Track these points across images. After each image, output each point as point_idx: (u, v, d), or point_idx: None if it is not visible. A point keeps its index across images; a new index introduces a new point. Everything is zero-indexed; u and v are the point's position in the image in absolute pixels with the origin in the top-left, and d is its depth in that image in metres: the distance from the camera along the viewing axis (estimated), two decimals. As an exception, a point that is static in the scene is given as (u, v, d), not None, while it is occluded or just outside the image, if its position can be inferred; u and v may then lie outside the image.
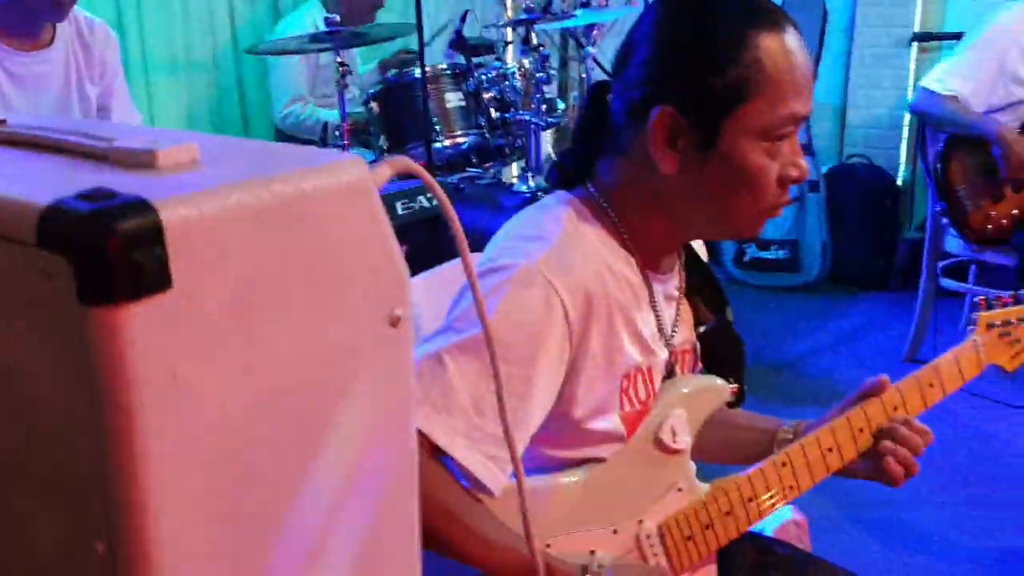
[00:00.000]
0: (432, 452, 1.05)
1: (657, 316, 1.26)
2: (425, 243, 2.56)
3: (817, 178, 4.61)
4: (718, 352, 1.38)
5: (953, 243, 3.61)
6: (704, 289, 1.37)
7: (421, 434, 1.04)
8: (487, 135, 3.51)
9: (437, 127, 3.33)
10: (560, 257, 1.14)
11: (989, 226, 3.33)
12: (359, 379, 0.62)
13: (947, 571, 2.53)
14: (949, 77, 3.34)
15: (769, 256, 4.61)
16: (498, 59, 3.66)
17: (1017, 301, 1.55)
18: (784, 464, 1.30)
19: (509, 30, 3.60)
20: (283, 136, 3.92)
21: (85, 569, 0.54)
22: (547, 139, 4.77)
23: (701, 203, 1.19)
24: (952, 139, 3.41)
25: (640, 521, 1.23)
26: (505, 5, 4.93)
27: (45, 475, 0.56)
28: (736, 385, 1.34)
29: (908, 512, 2.80)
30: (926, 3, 4.62)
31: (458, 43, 3.51)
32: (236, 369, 0.54)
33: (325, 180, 0.56)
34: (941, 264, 3.71)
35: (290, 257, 0.55)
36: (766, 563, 1.46)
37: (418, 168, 0.68)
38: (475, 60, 3.65)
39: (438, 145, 3.37)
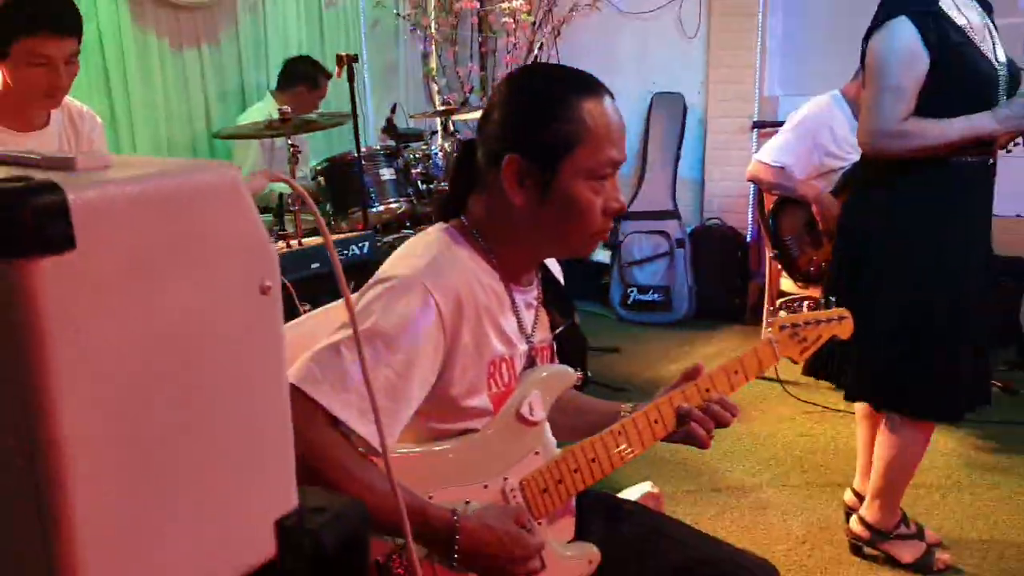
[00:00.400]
0: (331, 422, 1.09)
1: (518, 318, 1.32)
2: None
3: (683, 236, 4.75)
4: (567, 348, 1.44)
5: (787, 283, 3.74)
6: (557, 301, 1.44)
7: (322, 408, 1.08)
8: (415, 203, 3.57)
9: (373, 195, 3.39)
10: (435, 269, 1.20)
11: (811, 268, 3.47)
12: (238, 332, 0.66)
13: (784, 536, 2.60)
14: (776, 152, 3.50)
15: (647, 299, 4.72)
16: (425, 144, 3.73)
17: (809, 309, 1.65)
18: (620, 433, 1.35)
19: (438, 120, 3.67)
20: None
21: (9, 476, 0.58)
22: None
23: (545, 229, 1.27)
24: (781, 200, 3.56)
25: (505, 478, 1.27)
26: (433, 100, 5.04)
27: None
28: (581, 372, 1.40)
29: (755, 492, 2.87)
30: (762, 100, 4.82)
31: (388, 129, 3.58)
32: (130, 318, 0.59)
33: (203, 179, 0.62)
34: (779, 300, 3.84)
35: (175, 235, 0.60)
36: (617, 516, 1.50)
37: (289, 180, 0.74)
38: (406, 144, 3.73)
39: (374, 209, 3.43)
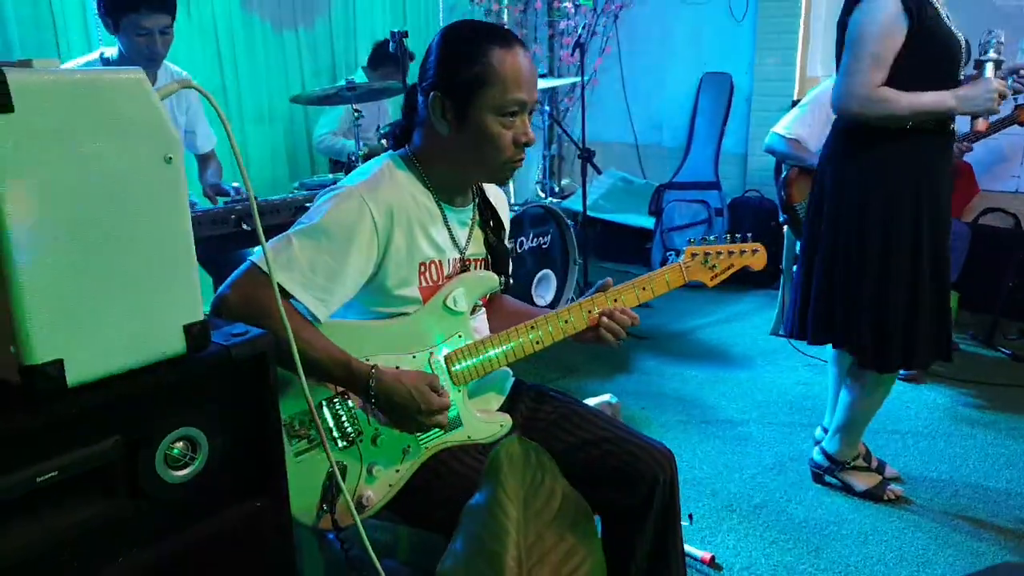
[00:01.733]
0: (282, 293, 1.33)
1: (449, 230, 1.53)
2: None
3: (722, 206, 4.81)
4: (495, 258, 1.62)
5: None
6: (491, 222, 1.63)
7: (278, 284, 1.33)
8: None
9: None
10: (372, 185, 1.42)
11: (818, 233, 3.50)
12: (148, 186, 0.91)
13: (755, 463, 2.71)
14: (793, 125, 3.54)
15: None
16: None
17: (726, 242, 1.78)
18: (533, 327, 1.53)
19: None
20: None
21: None
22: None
23: (464, 154, 1.45)
24: (797, 170, 3.60)
25: (431, 352, 1.48)
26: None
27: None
28: (503, 278, 1.60)
29: (741, 427, 2.98)
30: (804, 80, 4.80)
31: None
32: (63, 163, 0.84)
33: (113, 76, 0.87)
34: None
35: (91, 111, 0.85)
36: (541, 400, 1.66)
37: (197, 86, 0.98)
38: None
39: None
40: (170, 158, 0.92)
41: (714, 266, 1.73)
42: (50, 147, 0.83)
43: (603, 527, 1.64)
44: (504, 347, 1.52)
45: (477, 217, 1.60)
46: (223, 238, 2.28)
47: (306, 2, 4.53)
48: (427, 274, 1.49)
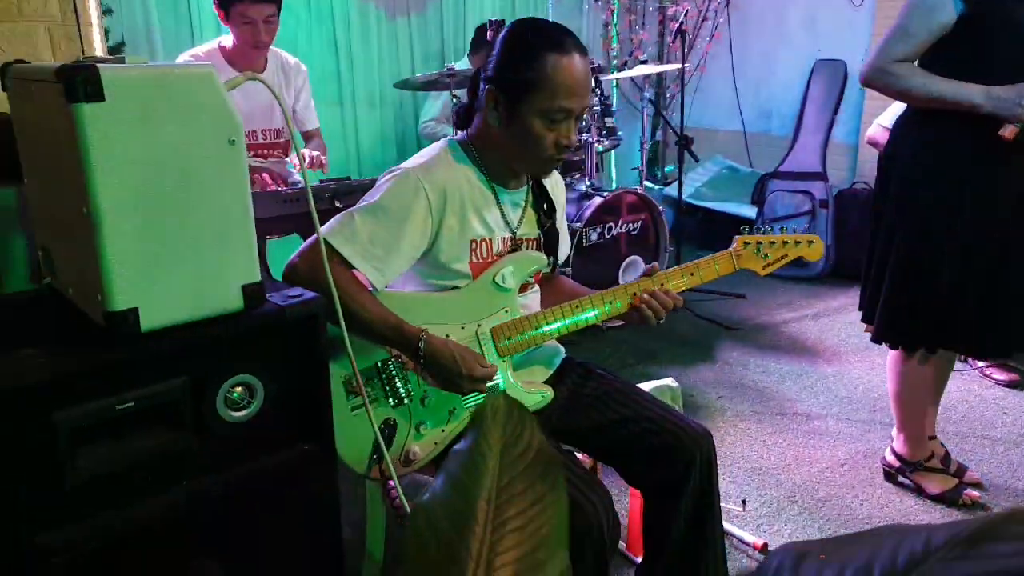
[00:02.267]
0: (344, 262, 1.48)
1: (501, 211, 1.64)
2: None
3: (827, 197, 4.67)
4: (546, 241, 1.72)
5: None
6: (544, 207, 1.72)
7: (337, 252, 1.48)
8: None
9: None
10: (428, 167, 1.55)
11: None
12: (213, 162, 1.06)
13: (827, 458, 2.68)
14: (892, 116, 3.41)
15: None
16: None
17: (775, 232, 1.80)
18: (577, 306, 1.63)
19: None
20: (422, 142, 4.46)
21: (83, 223, 1.02)
22: (610, 155, 5.07)
23: (509, 147, 1.55)
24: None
25: (479, 324, 1.60)
26: (610, 63, 5.26)
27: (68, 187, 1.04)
28: (552, 258, 1.69)
29: (817, 422, 2.95)
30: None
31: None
32: (142, 143, 1.00)
33: (186, 70, 1.03)
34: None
35: (167, 100, 1.01)
36: (588, 377, 1.75)
37: (261, 78, 1.13)
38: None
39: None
40: (233, 140, 1.08)
41: (766, 255, 1.76)
42: (132, 130, 0.99)
43: (643, 503, 1.72)
44: (548, 324, 1.62)
45: (531, 199, 1.70)
46: (318, 213, 2.47)
47: (419, -12, 4.72)
48: (478, 251, 1.60)
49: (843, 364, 3.49)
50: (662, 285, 1.66)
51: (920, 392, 2.37)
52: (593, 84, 3.88)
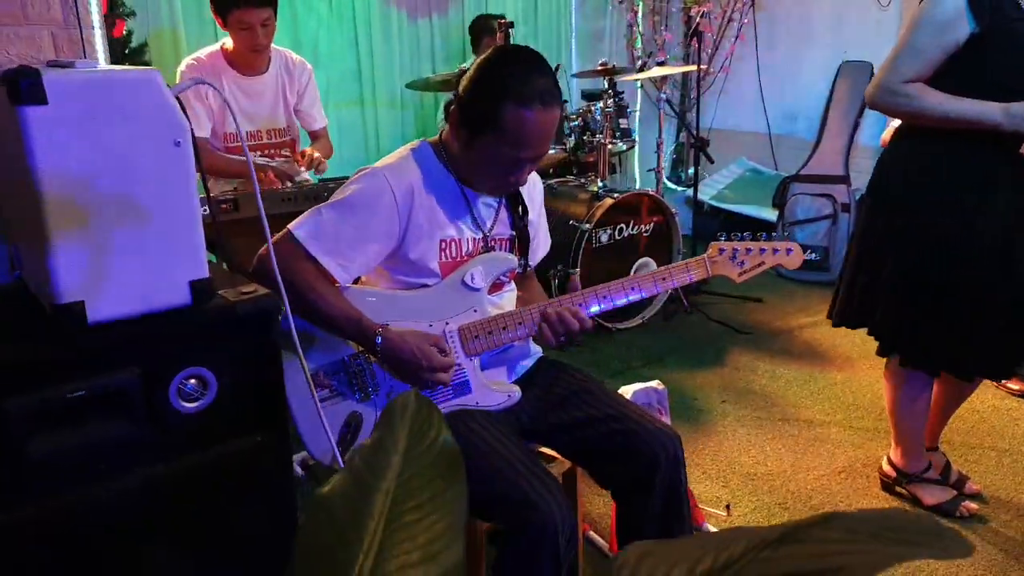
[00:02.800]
0: (308, 256, 1.51)
1: (472, 212, 1.66)
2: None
3: (849, 201, 4.59)
4: (520, 242, 1.74)
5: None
6: (519, 209, 1.74)
7: (302, 246, 1.51)
8: (569, 152, 3.90)
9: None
10: (398, 167, 1.58)
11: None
12: (159, 163, 1.11)
13: (825, 465, 2.65)
14: None
15: (805, 257, 4.64)
16: (597, 101, 3.99)
17: (751, 240, 1.79)
18: (522, 312, 1.64)
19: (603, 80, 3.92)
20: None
21: (32, 220, 1.07)
22: (632, 156, 5.05)
23: (467, 166, 1.59)
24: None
25: (447, 323, 1.62)
26: (634, 64, 5.24)
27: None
28: (522, 259, 1.70)
29: (819, 428, 2.91)
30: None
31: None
32: (87, 144, 1.05)
33: (131, 75, 1.07)
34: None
35: (111, 104, 1.06)
36: (557, 375, 1.74)
37: (211, 83, 1.17)
38: (593, 100, 4.01)
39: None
40: (178, 142, 1.12)
41: (743, 263, 1.75)
42: (76, 132, 1.04)
43: (614, 502, 1.73)
44: (514, 325, 1.63)
45: (505, 200, 1.72)
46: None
47: (441, -11, 4.77)
48: (447, 251, 1.63)
49: (853, 371, 3.44)
50: (606, 297, 1.66)
51: (919, 406, 2.33)
52: (607, 86, 3.88)
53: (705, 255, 1.75)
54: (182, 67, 2.77)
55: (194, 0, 3.74)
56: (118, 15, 3.01)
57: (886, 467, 2.49)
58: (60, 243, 1.05)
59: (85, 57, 1.99)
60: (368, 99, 4.56)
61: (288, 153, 2.96)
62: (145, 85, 1.08)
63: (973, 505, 2.39)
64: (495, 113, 1.46)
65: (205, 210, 2.17)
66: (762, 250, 1.76)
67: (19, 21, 1.97)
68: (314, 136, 3.09)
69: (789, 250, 1.77)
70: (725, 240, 1.77)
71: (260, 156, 2.87)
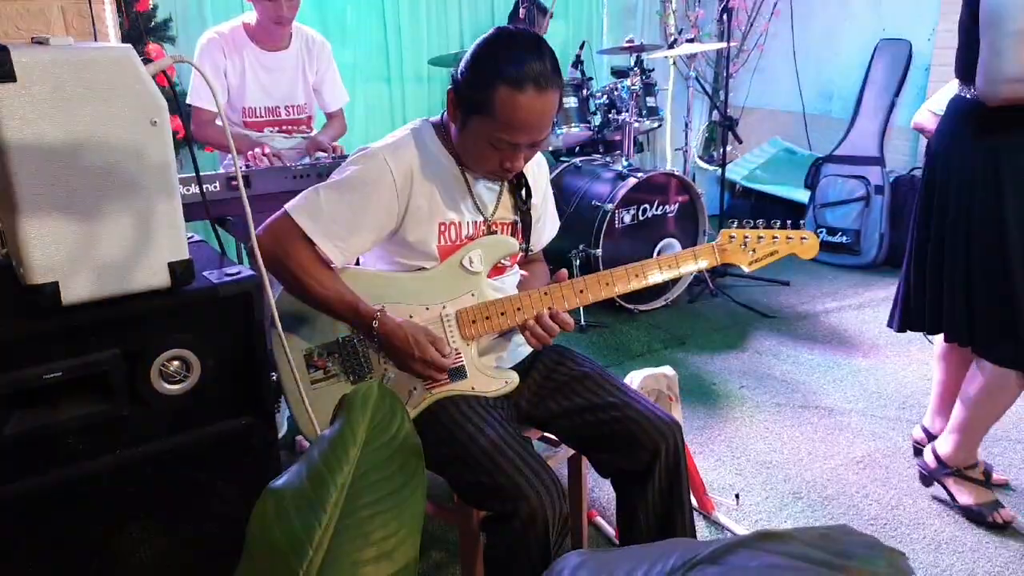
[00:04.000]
0: (304, 237, 1.48)
1: (472, 195, 1.60)
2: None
3: (882, 183, 4.44)
4: (523, 225, 1.68)
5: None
6: (520, 191, 1.68)
7: (299, 227, 1.48)
8: (595, 130, 3.81)
9: (556, 121, 3.67)
10: (396, 148, 1.53)
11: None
12: (136, 143, 1.08)
13: (843, 454, 2.57)
14: (941, 101, 3.20)
15: (835, 240, 4.49)
16: (622, 78, 3.89)
17: (764, 227, 1.70)
18: (546, 294, 1.57)
19: (632, 57, 3.82)
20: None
21: (6, 198, 1.05)
22: (664, 135, 4.93)
23: (462, 149, 1.53)
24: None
25: (444, 306, 1.57)
26: (666, 40, 5.11)
27: None
28: (523, 242, 1.65)
29: (840, 417, 2.82)
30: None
31: (576, 63, 3.80)
32: (60, 122, 1.02)
33: (105, 52, 1.04)
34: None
35: (85, 81, 1.03)
36: (561, 361, 1.69)
37: (190, 60, 1.13)
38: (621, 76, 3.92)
39: (560, 131, 3.75)
40: (155, 121, 1.08)
41: (754, 250, 1.67)
42: (47, 110, 1.01)
43: (615, 490, 1.68)
44: (513, 310, 1.58)
45: (508, 183, 1.66)
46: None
47: (469, -37, 4.67)
48: (447, 234, 1.58)
49: (879, 357, 3.33)
50: (636, 276, 1.60)
51: (1000, 403, 2.18)
52: (633, 63, 3.78)
53: (715, 243, 1.67)
54: (203, 40, 2.74)
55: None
56: (143, -11, 2.99)
57: (928, 458, 2.35)
58: (32, 222, 1.03)
59: (95, 33, 1.97)
60: (396, 75, 4.51)
61: (305, 130, 2.92)
62: (118, 63, 1.04)
63: (1009, 513, 2.24)
64: (489, 96, 1.41)
65: (215, 186, 2.19)
66: (775, 238, 1.68)
67: (30, -4, 1.96)
68: (330, 117, 3.05)
69: (804, 238, 1.68)
70: (737, 227, 1.68)
71: (278, 132, 2.84)
